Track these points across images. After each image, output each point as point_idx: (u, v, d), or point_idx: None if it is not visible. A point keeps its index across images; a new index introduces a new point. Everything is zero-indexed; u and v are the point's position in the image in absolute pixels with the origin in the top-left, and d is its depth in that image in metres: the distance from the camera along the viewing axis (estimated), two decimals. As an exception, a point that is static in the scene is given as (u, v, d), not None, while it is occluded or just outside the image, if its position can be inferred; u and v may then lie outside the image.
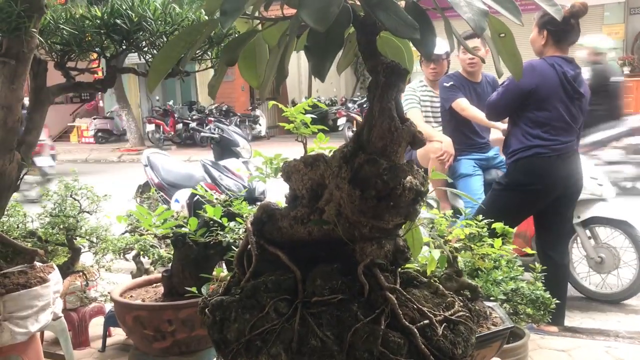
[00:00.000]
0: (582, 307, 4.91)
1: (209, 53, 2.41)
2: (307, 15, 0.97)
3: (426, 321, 1.40)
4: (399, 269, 1.54)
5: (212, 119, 17.46)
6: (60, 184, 3.11)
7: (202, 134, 6.46)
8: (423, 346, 1.33)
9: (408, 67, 1.60)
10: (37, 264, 2.28)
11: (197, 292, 2.60)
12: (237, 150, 6.09)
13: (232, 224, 2.70)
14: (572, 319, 4.55)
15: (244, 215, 2.83)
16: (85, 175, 3.24)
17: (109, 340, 3.70)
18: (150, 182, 6.56)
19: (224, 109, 18.43)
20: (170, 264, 3.82)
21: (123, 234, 3.67)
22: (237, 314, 1.52)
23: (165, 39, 2.17)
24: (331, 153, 1.61)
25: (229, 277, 1.83)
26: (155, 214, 2.66)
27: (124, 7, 2.21)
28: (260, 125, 18.63)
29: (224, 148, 6.11)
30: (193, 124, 18.47)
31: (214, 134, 6.13)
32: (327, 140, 2.59)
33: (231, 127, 6.39)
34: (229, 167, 5.81)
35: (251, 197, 5.52)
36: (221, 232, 2.70)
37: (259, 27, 1.53)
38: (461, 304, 1.50)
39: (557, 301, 2.90)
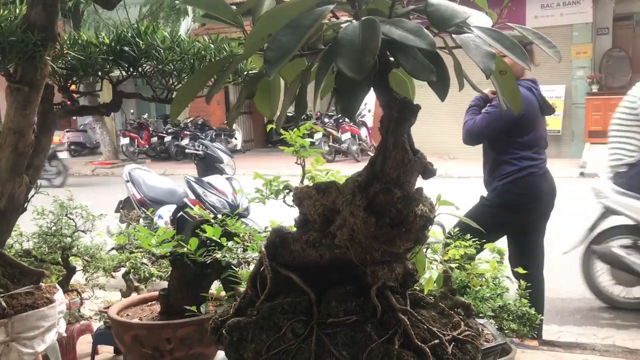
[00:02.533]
0: (558, 321, 5.07)
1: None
2: (344, 64, 1.06)
3: (436, 341, 1.49)
4: (408, 291, 1.64)
5: (188, 132, 17.47)
6: (55, 203, 3.14)
7: (186, 150, 6.46)
8: (435, 365, 1.42)
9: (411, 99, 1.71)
10: (42, 284, 2.31)
11: (196, 310, 2.65)
12: (221, 167, 6.15)
13: (230, 243, 2.77)
14: (550, 332, 4.70)
15: (241, 235, 2.90)
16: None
17: (97, 358, 3.71)
18: (131, 197, 6.56)
19: (199, 122, 18.43)
20: (160, 282, 3.86)
21: (109, 251, 3.69)
22: (254, 334, 1.59)
23: (172, 67, 2.24)
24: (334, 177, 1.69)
25: (239, 298, 1.90)
26: (156, 234, 2.71)
27: (130, 35, 2.28)
28: (236, 139, 18.67)
29: (208, 164, 6.16)
30: (168, 138, 18.43)
31: (198, 150, 6.18)
32: (324, 162, 2.69)
33: (215, 144, 6.44)
34: (213, 184, 5.86)
35: (235, 213, 5.58)
36: (219, 252, 2.76)
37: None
38: (466, 323, 1.60)
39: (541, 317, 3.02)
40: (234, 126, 19.07)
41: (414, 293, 1.69)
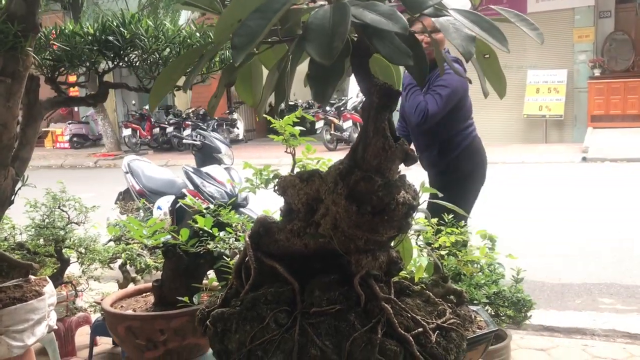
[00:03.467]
0: (558, 306, 5.04)
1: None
2: (313, 50, 1.04)
3: (420, 329, 1.48)
4: (392, 279, 1.62)
5: (189, 123, 17.42)
6: (47, 195, 3.13)
7: (184, 140, 6.45)
8: (418, 353, 1.40)
9: (396, 85, 1.68)
10: (32, 277, 2.30)
11: (189, 301, 2.65)
12: (219, 157, 6.11)
13: (222, 233, 2.75)
14: (549, 317, 4.68)
15: (234, 225, 2.89)
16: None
17: (95, 350, 3.72)
18: (131, 189, 6.55)
19: (200, 112, 18.38)
20: (157, 273, 3.86)
21: (107, 242, 3.69)
22: (237, 325, 1.58)
23: (157, 56, 2.22)
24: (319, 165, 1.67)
25: (225, 289, 1.89)
26: (147, 225, 2.70)
27: (115, 24, 2.25)
28: (237, 128, 18.63)
29: (206, 155, 6.13)
30: (170, 129, 18.39)
31: (195, 140, 6.15)
32: (315, 151, 2.67)
33: (213, 134, 6.41)
34: (211, 174, 5.82)
35: (234, 204, 5.55)
36: (211, 242, 2.75)
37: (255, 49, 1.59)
38: (451, 311, 1.58)
39: None
40: (236, 115, 19.03)
41: (400, 281, 1.68)
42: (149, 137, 18.78)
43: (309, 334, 1.50)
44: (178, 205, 5.89)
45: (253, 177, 2.56)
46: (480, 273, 2.85)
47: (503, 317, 3.01)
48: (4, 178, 2.07)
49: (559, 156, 12.76)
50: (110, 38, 2.21)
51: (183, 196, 5.86)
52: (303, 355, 1.47)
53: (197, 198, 5.72)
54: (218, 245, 2.68)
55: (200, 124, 16.85)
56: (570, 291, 5.32)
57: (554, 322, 4.55)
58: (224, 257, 2.66)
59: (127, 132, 18.61)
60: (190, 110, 18.72)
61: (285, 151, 2.49)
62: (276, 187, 1.74)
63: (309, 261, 1.68)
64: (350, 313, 1.51)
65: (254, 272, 1.65)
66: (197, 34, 2.25)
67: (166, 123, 18.64)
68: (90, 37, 2.26)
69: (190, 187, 5.90)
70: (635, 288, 5.25)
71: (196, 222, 2.75)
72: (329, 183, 1.55)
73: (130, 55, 2.29)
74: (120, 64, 2.28)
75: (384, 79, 1.56)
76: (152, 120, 19.03)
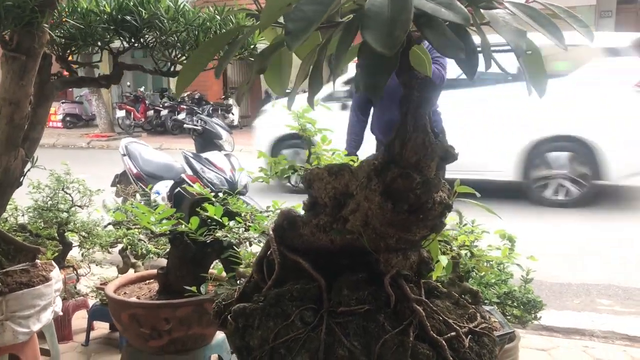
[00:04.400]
0: (557, 306, 5.04)
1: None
2: (373, 39, 0.98)
3: (453, 333, 1.43)
4: (422, 280, 1.57)
5: (184, 107, 17.28)
6: (51, 177, 3.05)
7: (185, 125, 6.34)
8: (451, 358, 1.36)
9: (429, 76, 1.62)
10: (38, 262, 2.23)
11: (196, 291, 2.59)
12: (220, 143, 6.03)
13: (231, 223, 2.69)
14: (549, 317, 4.67)
15: (243, 214, 2.83)
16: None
17: (92, 334, 3.66)
18: (128, 172, 6.46)
19: (196, 97, 18.22)
20: (157, 259, 3.79)
21: (106, 226, 3.62)
22: (260, 321, 1.53)
23: (176, 38, 2.14)
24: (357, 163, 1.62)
25: (244, 282, 1.83)
26: (155, 212, 2.63)
27: (133, 3, 2.17)
28: (233, 114, 18.48)
29: (206, 140, 6.05)
30: (164, 112, 18.24)
31: (196, 125, 6.06)
32: (330, 142, 2.61)
33: (214, 120, 6.31)
34: (211, 160, 5.75)
35: (234, 191, 5.49)
36: (220, 231, 2.69)
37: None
38: (481, 314, 1.53)
39: None
40: (231, 101, 18.88)
41: (428, 282, 1.63)
42: (143, 120, 18.61)
43: (336, 333, 1.45)
44: (176, 190, 5.82)
45: (267, 167, 2.50)
46: (489, 272, 2.81)
47: (509, 317, 2.98)
48: (14, 159, 2.00)
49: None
50: (128, 18, 2.13)
51: (182, 181, 5.80)
52: (330, 356, 1.42)
53: (196, 183, 5.65)
54: (228, 235, 2.61)
55: (196, 108, 16.70)
56: (569, 291, 5.31)
57: (553, 322, 4.53)
58: (234, 247, 2.61)
59: (120, 113, 18.43)
60: (186, 94, 18.56)
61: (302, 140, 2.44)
62: (302, 180, 1.68)
63: (334, 257, 1.62)
64: (380, 314, 1.46)
65: (278, 267, 1.60)
66: (217, 17, 2.18)
67: (161, 106, 18.47)
68: (106, 16, 2.18)
69: (189, 172, 5.83)
70: (633, 290, 5.25)
71: (205, 211, 2.69)
72: (361, 178, 1.49)
73: (147, 36, 2.21)
74: (136, 44, 2.20)
75: (417, 72, 1.50)
76: (147, 102, 18.86)
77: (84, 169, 10.73)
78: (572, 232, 6.95)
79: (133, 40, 2.20)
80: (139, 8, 2.12)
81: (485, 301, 2.71)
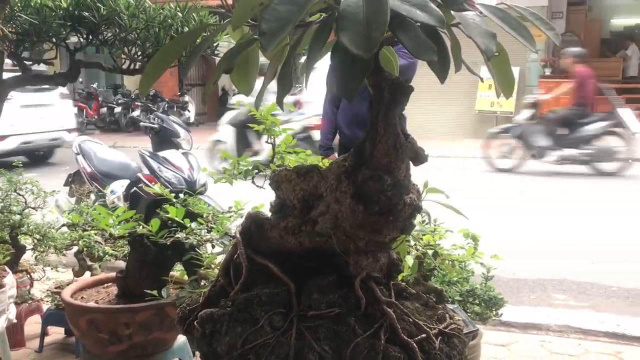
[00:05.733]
0: (514, 301, 5.13)
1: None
2: (349, 41, 0.95)
3: (423, 335, 1.42)
4: (392, 282, 1.56)
5: (139, 103, 16.95)
6: (2, 178, 2.93)
7: (141, 123, 6.21)
8: (423, 361, 1.35)
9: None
10: (-10, 267, 2.14)
11: (157, 294, 2.53)
12: (177, 141, 5.91)
13: (193, 224, 2.64)
14: (506, 312, 4.75)
15: (205, 215, 2.77)
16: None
17: (46, 340, 3.54)
18: (82, 171, 6.27)
19: (151, 93, 17.88)
20: (115, 261, 3.69)
21: (60, 227, 3.50)
22: (228, 327, 1.49)
23: (136, 35, 2.08)
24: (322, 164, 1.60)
25: (209, 286, 1.79)
26: (114, 214, 2.56)
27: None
28: (189, 111, 18.22)
29: (164, 139, 5.91)
30: (118, 109, 17.85)
31: (153, 123, 5.92)
32: (295, 142, 2.58)
33: (172, 117, 6.19)
34: (169, 159, 5.63)
35: (192, 190, 5.40)
36: (181, 233, 2.63)
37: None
38: (452, 315, 1.54)
39: None
40: (187, 98, 18.61)
41: (397, 283, 1.62)
42: (96, 117, 18.17)
43: (306, 338, 1.42)
44: (133, 190, 5.68)
45: (230, 167, 2.46)
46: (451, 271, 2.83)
47: (470, 314, 3.02)
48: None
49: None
50: (85, 13, 2.05)
51: (138, 181, 5.66)
52: (300, 361, 1.40)
53: (153, 183, 5.53)
54: (189, 237, 2.56)
55: (151, 105, 16.38)
56: (525, 286, 5.42)
57: (511, 318, 4.62)
58: (196, 249, 2.55)
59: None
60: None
61: (267, 141, 2.40)
62: (270, 182, 1.65)
63: (303, 260, 1.60)
64: (350, 317, 1.44)
65: (246, 271, 1.56)
66: (179, 14, 2.12)
67: (114, 103, 18.08)
68: (61, 12, 2.10)
69: (146, 171, 5.69)
70: (586, 284, 5.40)
71: (166, 212, 2.63)
72: (331, 180, 1.47)
73: (105, 33, 2.14)
74: (94, 41, 2.13)
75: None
76: (100, 99, 18.42)
77: (32, 167, 10.43)
78: (525, 227, 7.11)
79: (91, 36, 2.13)
80: (97, 4, 2.05)
81: (449, 299, 2.73)
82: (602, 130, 9.65)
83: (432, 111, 14.21)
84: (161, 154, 5.77)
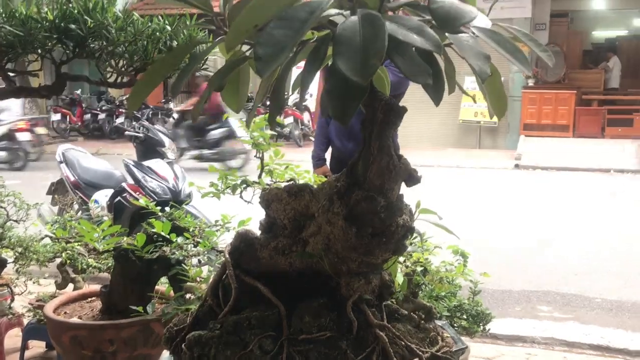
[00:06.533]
0: (499, 313, 5.14)
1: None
2: (347, 68, 0.94)
3: (416, 359, 1.40)
4: (383, 303, 1.54)
5: (123, 110, 16.81)
6: (-17, 190, 2.88)
7: (126, 132, 6.17)
8: (416, 385, 1.33)
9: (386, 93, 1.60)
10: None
11: (142, 310, 2.48)
12: (163, 151, 5.87)
13: (179, 239, 2.60)
14: (492, 325, 4.75)
15: (191, 229, 2.74)
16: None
17: (27, 354, 3.48)
18: (65, 180, 6.20)
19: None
20: (98, 274, 3.63)
21: (42, 239, 3.44)
22: (217, 350, 1.46)
23: (124, 48, 2.04)
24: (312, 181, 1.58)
25: (197, 306, 1.76)
26: (100, 228, 2.51)
27: (77, 11, 2.06)
28: (173, 118, 18.08)
29: (149, 148, 5.87)
30: (102, 115, 17.69)
31: (138, 133, 5.87)
32: (283, 156, 2.55)
33: (157, 127, 6.14)
34: (154, 168, 5.58)
35: (177, 200, 5.35)
36: (167, 247, 2.59)
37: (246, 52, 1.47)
38: (443, 337, 1.52)
39: None
40: (171, 105, 18.49)
41: (388, 304, 1.60)
42: (80, 124, 17.99)
43: (297, 361, 1.40)
44: (117, 199, 5.62)
45: (218, 182, 2.42)
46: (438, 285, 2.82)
47: (457, 328, 3.01)
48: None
49: (493, 162, 13.13)
50: (72, 26, 2.02)
51: (123, 190, 5.60)
52: (291, 385, 1.37)
53: (137, 193, 5.47)
54: (176, 252, 2.52)
55: (135, 112, 16.26)
56: (510, 298, 5.43)
57: (496, 330, 4.61)
58: (183, 264, 2.51)
59: (56, 117, 17.73)
60: (124, 97, 18.05)
61: (255, 156, 2.37)
62: (260, 200, 1.63)
63: (293, 281, 1.57)
64: (342, 340, 1.42)
65: (235, 292, 1.54)
66: (168, 27, 2.09)
67: (98, 109, 17.91)
68: (47, 23, 2.06)
69: (131, 181, 5.64)
70: (570, 296, 5.42)
71: (152, 226, 2.59)
72: (323, 200, 1.45)
73: (92, 45, 2.10)
74: (81, 54, 2.09)
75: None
76: (83, 105, 18.24)
77: (15, 175, 10.28)
78: (509, 238, 7.14)
79: (77, 49, 2.09)
80: (85, 16, 2.01)
81: (437, 315, 2.72)
82: (220, 135, 11.65)
83: (417, 121, 14.26)
84: (146, 163, 5.72)
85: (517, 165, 12.69)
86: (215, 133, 11.81)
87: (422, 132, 15.66)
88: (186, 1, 1.34)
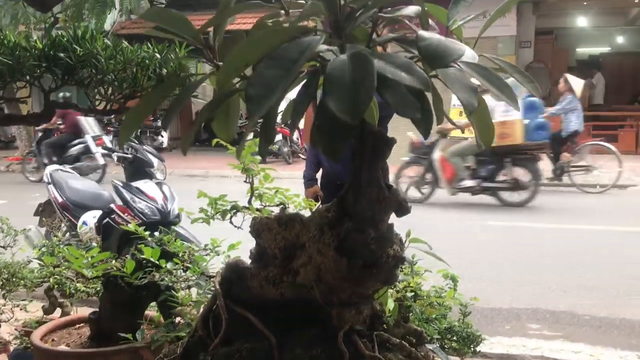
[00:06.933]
0: (489, 331, 5.14)
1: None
2: (337, 108, 0.94)
3: (407, 389, 1.41)
4: (375, 332, 1.54)
5: (111, 129, 16.73)
6: (-30, 216, 2.85)
7: (114, 154, 6.14)
8: (408, 417, 1.33)
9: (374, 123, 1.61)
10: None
11: (132, 337, 2.46)
12: (151, 172, 5.83)
13: (169, 265, 2.59)
14: (482, 344, 4.74)
15: (180, 254, 2.73)
16: None
17: (13, 381, 3.43)
18: (53, 201, 6.15)
19: (123, 118, 17.69)
20: (87, 298, 3.60)
21: (29, 262, 3.41)
22: (208, 382, 1.46)
23: (113, 76, 2.05)
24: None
25: (187, 336, 1.75)
26: (88, 254, 2.50)
27: (67, 40, 2.07)
28: (162, 136, 18.07)
29: (137, 169, 5.82)
30: (89, 133, 17.60)
31: (126, 153, 5.84)
32: (273, 180, 2.56)
33: (145, 147, 6.10)
34: (142, 189, 5.55)
35: (166, 221, 5.32)
36: (157, 273, 2.58)
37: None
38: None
39: None
40: (160, 123, 18.47)
41: (380, 334, 1.60)
42: (67, 142, 17.87)
43: (288, 394, 1.39)
44: (105, 220, 5.58)
45: (207, 207, 2.42)
46: (428, 307, 2.83)
47: (448, 350, 3.01)
48: None
49: (481, 178, 13.15)
50: (61, 55, 2.02)
51: (111, 211, 5.57)
52: (282, 418, 1.37)
53: (126, 214, 5.45)
54: (165, 278, 2.51)
55: (123, 130, 16.17)
56: (500, 316, 5.43)
57: (486, 349, 4.61)
58: (172, 290, 2.50)
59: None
60: (113, 116, 18.01)
61: (245, 181, 2.38)
62: (250, 230, 1.63)
63: (284, 311, 1.57)
64: (333, 372, 1.42)
65: (226, 323, 1.53)
66: (158, 55, 2.10)
67: (85, 128, 17.81)
68: (37, 52, 2.07)
69: (119, 202, 5.60)
70: (559, 313, 5.43)
71: (141, 252, 2.57)
72: (314, 230, 1.46)
73: (81, 73, 2.11)
74: (70, 82, 2.09)
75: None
76: (71, 124, 18.14)
77: (2, 194, 10.18)
78: (498, 256, 7.16)
79: (66, 77, 2.09)
80: (74, 45, 2.02)
81: (428, 338, 2.72)
82: (78, 151, 12.69)
83: (403, 137, 14.34)
84: (134, 184, 5.69)
85: (504, 181, 12.72)
86: (74, 150, 12.77)
87: (407, 148, 15.72)
88: (177, 34, 1.35)
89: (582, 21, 18.47)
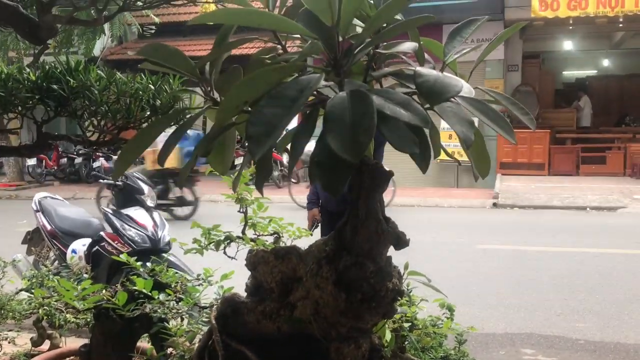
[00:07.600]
0: (483, 357, 5.11)
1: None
2: (337, 146, 0.94)
3: None
4: (373, 367, 1.52)
5: (100, 154, 16.68)
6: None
7: (102, 180, 6.11)
8: None
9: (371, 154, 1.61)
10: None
11: (124, 372, 2.42)
12: (142, 199, 5.80)
13: (162, 296, 2.55)
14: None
15: (172, 285, 2.69)
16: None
17: (0, 415, 3.35)
18: (41, 229, 6.08)
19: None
20: (78, 329, 3.54)
21: (17, 292, 3.35)
22: (205, 421, 1.43)
23: (107, 107, 2.04)
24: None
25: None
26: (80, 287, 2.46)
27: (60, 71, 2.06)
28: (152, 162, 18.00)
29: (127, 196, 5.79)
30: (79, 159, 17.54)
31: (117, 181, 5.80)
32: (267, 209, 2.55)
33: (136, 174, 6.08)
34: (133, 217, 5.51)
35: (156, 249, 5.28)
36: (149, 304, 2.54)
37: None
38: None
39: None
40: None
41: (377, 367, 1.58)
42: (56, 168, 17.80)
43: None
44: (95, 248, 5.52)
45: (201, 238, 2.41)
46: (423, 334, 2.80)
47: (442, 377, 2.98)
48: None
49: (472, 202, 13.24)
50: (55, 86, 2.02)
51: (101, 239, 5.51)
52: None
53: (116, 242, 5.40)
54: (157, 310, 2.47)
55: (113, 155, 16.13)
56: (494, 341, 5.41)
57: (481, 375, 4.58)
58: (165, 322, 2.47)
59: (31, 161, 17.53)
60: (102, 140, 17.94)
61: (239, 211, 2.37)
62: (246, 263, 1.61)
63: (282, 346, 1.55)
64: (333, 408, 1.40)
65: (222, 359, 1.50)
66: (151, 87, 2.10)
67: (75, 153, 17.76)
68: (30, 83, 2.06)
69: (109, 230, 5.55)
70: (554, 338, 5.41)
71: (133, 284, 2.54)
72: (311, 264, 1.44)
73: (74, 105, 2.10)
74: (63, 113, 2.08)
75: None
76: (60, 149, 18.08)
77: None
78: (492, 278, 7.14)
79: (59, 108, 2.08)
80: (67, 77, 2.01)
81: (422, 366, 2.69)
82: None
83: (396, 160, 14.41)
84: (125, 211, 5.64)
85: (495, 204, 12.81)
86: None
87: (401, 172, 15.77)
88: (173, 69, 1.35)
89: (568, 45, 18.76)
